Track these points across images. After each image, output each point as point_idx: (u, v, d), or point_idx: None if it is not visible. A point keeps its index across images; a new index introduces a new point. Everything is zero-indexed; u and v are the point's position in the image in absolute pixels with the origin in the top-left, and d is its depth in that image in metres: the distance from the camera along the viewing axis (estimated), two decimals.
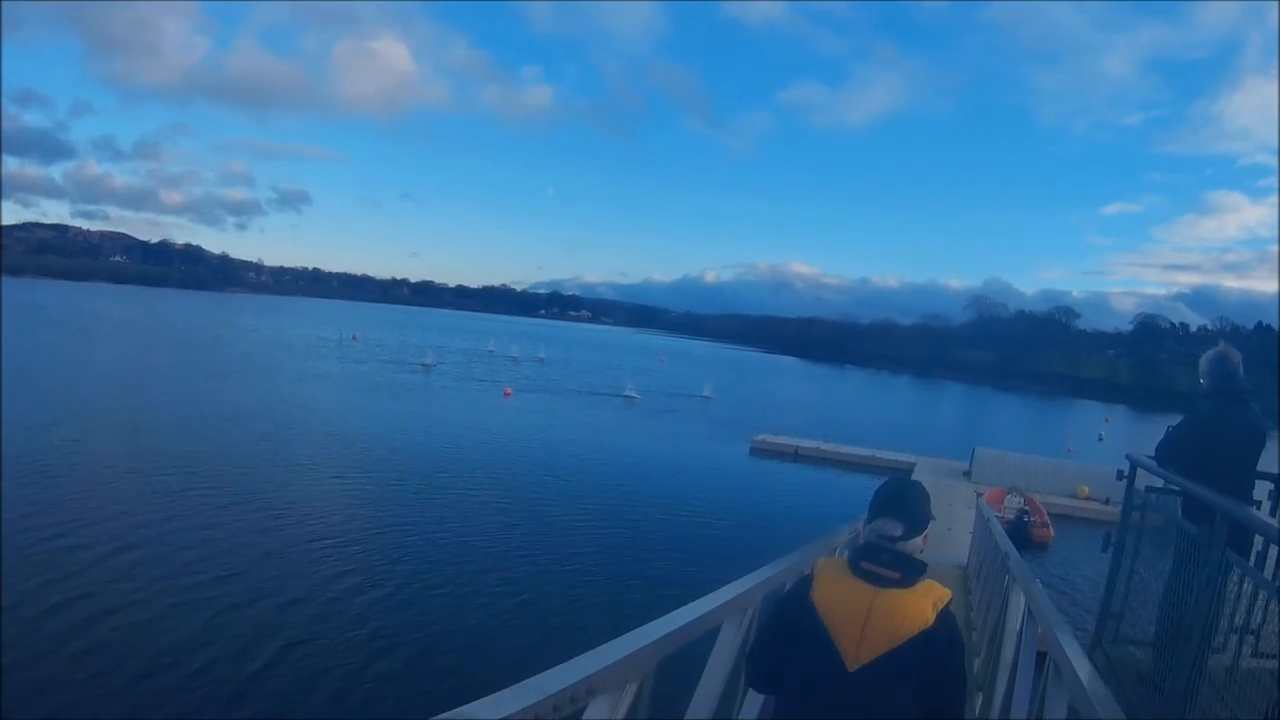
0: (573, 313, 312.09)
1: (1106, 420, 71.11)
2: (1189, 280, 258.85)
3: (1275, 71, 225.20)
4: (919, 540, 2.14)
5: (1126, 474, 4.21)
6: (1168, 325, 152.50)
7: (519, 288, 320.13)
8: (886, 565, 2.09)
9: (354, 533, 16.25)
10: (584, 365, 73.89)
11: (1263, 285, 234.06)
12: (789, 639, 2.16)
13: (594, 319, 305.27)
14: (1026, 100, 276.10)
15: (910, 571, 2.10)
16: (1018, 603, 4.61)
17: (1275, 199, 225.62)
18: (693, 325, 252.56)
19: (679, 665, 2.38)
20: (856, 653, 2.03)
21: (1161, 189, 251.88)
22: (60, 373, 35.66)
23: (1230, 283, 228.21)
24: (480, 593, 13.72)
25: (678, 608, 2.36)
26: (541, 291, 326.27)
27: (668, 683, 2.25)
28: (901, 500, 2.17)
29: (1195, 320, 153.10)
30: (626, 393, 46.21)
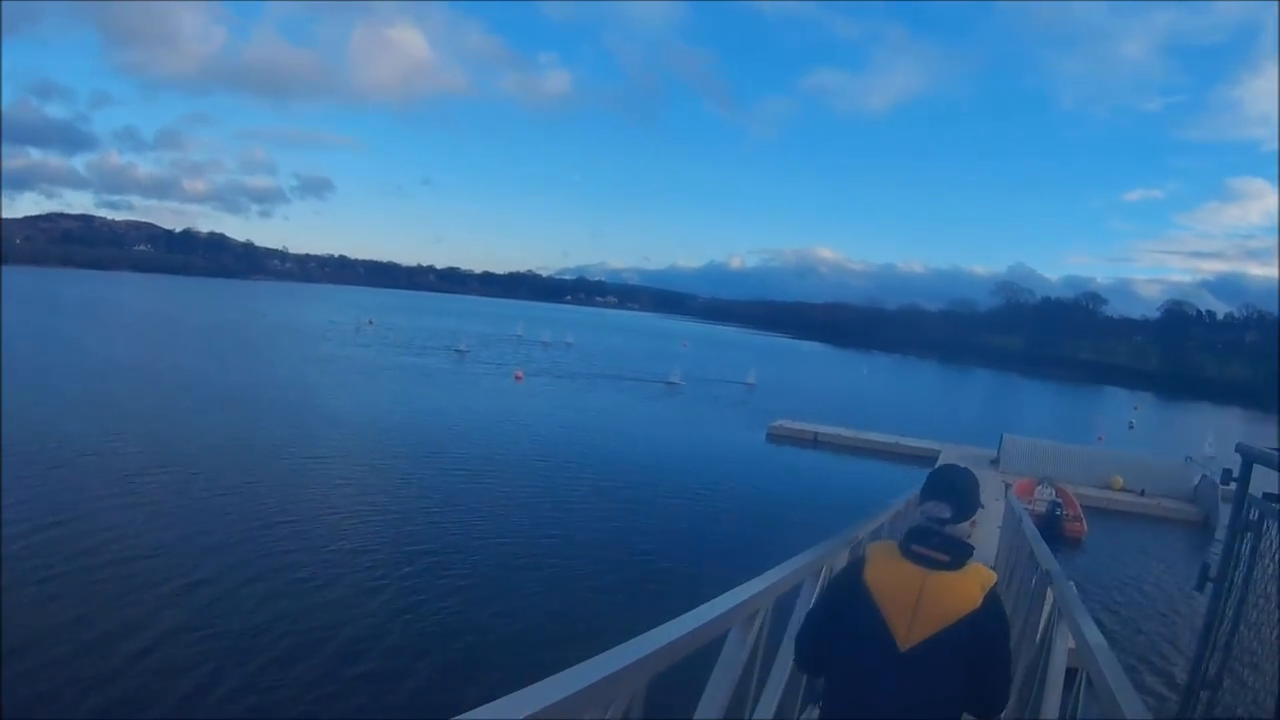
0: (598, 298, 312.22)
1: (1136, 408, 68.55)
2: (1213, 267, 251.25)
3: None
4: (966, 525, 2.22)
5: (1235, 475, 2.85)
6: (1194, 313, 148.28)
7: (545, 273, 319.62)
8: (936, 548, 2.17)
9: (329, 523, 15.25)
10: (615, 350, 72.37)
11: None
12: (840, 619, 2.23)
13: (620, 304, 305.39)
14: (1045, 84, 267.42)
15: (959, 554, 2.18)
16: (1063, 650, 3.37)
17: None
18: (720, 311, 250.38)
19: (680, 677, 2.09)
20: (908, 633, 2.11)
21: (1183, 175, 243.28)
22: (59, 358, 35.12)
23: (1255, 270, 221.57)
24: (483, 585, 12.76)
25: (673, 616, 1.96)
26: (568, 278, 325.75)
27: (667, 695, 2.04)
28: (951, 485, 2.25)
29: (1221, 308, 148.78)
30: (671, 379, 43.89)
